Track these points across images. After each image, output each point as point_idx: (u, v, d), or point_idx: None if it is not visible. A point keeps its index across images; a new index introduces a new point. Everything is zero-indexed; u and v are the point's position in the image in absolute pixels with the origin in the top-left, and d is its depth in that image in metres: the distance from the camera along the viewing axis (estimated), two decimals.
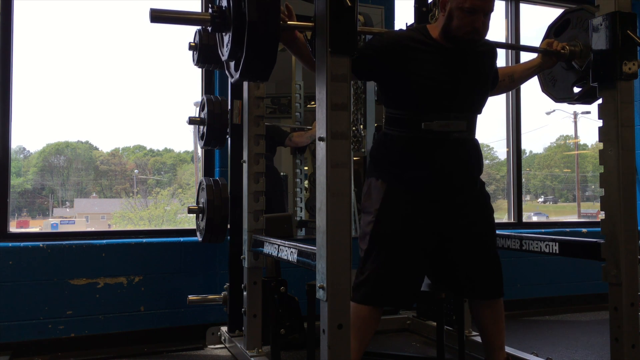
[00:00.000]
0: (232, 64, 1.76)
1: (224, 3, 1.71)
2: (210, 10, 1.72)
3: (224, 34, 1.77)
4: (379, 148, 2.11)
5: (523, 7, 4.19)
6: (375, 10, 3.61)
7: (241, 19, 1.61)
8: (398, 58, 1.95)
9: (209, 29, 1.76)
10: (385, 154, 2.06)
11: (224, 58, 1.78)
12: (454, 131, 1.97)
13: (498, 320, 2.11)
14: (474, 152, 2.07)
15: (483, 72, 2.09)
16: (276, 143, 3.33)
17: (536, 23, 4.58)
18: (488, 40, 2.14)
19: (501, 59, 4.18)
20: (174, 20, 1.76)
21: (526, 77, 2.35)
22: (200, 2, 3.39)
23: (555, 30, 2.37)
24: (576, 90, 2.34)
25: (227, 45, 1.71)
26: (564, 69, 2.33)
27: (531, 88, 4.15)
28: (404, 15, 3.56)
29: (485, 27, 1.95)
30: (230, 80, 1.82)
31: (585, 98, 2.33)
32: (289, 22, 1.78)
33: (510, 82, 2.32)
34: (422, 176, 1.99)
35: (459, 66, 2.00)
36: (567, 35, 2.31)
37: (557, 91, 2.43)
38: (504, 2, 4.19)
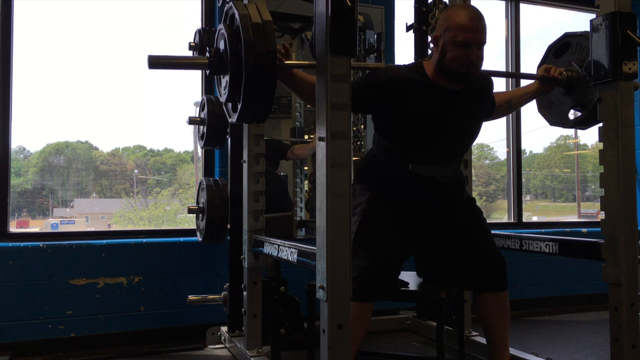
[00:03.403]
0: (230, 104, 1.78)
1: (221, 46, 1.73)
2: (207, 54, 1.75)
3: (221, 76, 1.78)
4: (367, 167, 2.18)
5: (523, 7, 4.19)
6: (375, 10, 3.61)
7: (238, 63, 1.63)
8: (393, 98, 1.98)
9: (207, 72, 1.80)
10: (373, 176, 2.13)
11: (222, 99, 1.80)
12: (439, 176, 2.04)
13: (503, 316, 2.12)
14: (457, 184, 2.14)
15: (477, 112, 2.13)
16: (278, 156, 3.36)
17: (536, 23, 4.59)
18: (485, 72, 2.16)
19: (501, 58, 4.18)
20: (172, 66, 1.79)
21: (523, 103, 2.40)
22: (200, 2, 3.39)
23: (555, 51, 2.40)
24: (571, 116, 2.38)
25: (225, 89, 1.74)
26: (561, 93, 2.36)
27: None
28: (404, 15, 3.56)
29: (479, 59, 1.96)
30: (229, 119, 1.84)
31: (580, 125, 2.37)
32: (285, 62, 1.81)
33: (507, 108, 2.36)
34: (406, 200, 2.07)
35: (452, 109, 2.03)
36: (566, 59, 2.33)
37: (552, 114, 2.47)
38: (504, 2, 4.19)
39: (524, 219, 4.20)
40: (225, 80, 1.73)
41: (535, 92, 2.34)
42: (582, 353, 2.86)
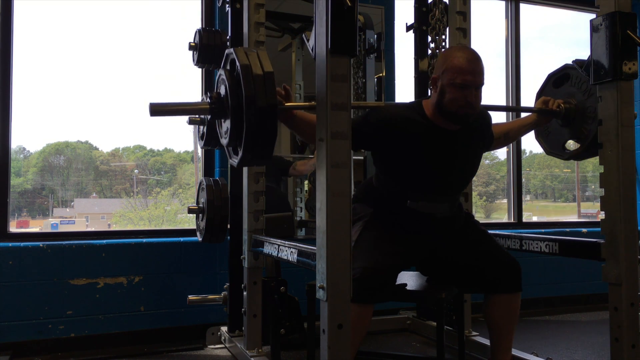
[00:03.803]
0: (230, 148, 1.81)
1: (222, 91, 1.75)
2: (208, 99, 1.76)
3: (222, 120, 1.80)
4: (366, 194, 2.20)
5: (523, 7, 4.19)
6: (375, 10, 3.61)
7: (239, 115, 1.64)
8: (392, 138, 2.01)
9: (208, 117, 1.80)
10: (372, 202, 2.15)
11: (223, 142, 1.82)
12: (437, 212, 2.08)
13: (512, 319, 2.12)
14: (455, 216, 2.16)
15: (476, 150, 2.17)
16: (280, 173, 3.37)
17: (536, 23, 4.59)
18: (484, 107, 2.19)
19: (501, 58, 4.18)
20: (173, 113, 1.81)
21: (522, 134, 2.47)
22: (200, 2, 3.39)
23: (554, 81, 2.43)
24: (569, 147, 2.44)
25: (225, 133, 1.76)
26: (559, 125, 2.39)
27: (530, 88, 4.14)
28: (404, 15, 3.56)
29: (478, 100, 1.98)
30: (229, 160, 1.87)
31: (576, 158, 2.43)
32: (286, 104, 1.83)
33: (505, 140, 2.41)
34: (405, 230, 2.09)
35: (451, 149, 2.06)
36: (565, 90, 2.36)
37: (549, 144, 2.50)
38: (503, 2, 4.19)
39: (524, 219, 4.20)
40: (225, 126, 1.75)
41: (534, 124, 2.39)
42: (582, 353, 2.86)
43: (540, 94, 2.47)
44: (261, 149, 1.67)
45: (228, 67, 1.75)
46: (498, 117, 4.19)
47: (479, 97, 1.98)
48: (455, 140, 2.05)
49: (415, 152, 2.02)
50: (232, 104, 1.66)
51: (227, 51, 1.77)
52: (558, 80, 2.40)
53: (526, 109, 2.50)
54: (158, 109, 1.72)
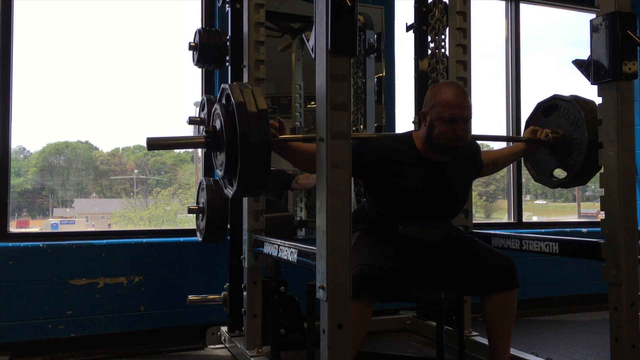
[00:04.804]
0: (226, 180, 1.85)
1: (217, 125, 1.78)
2: (204, 133, 1.81)
3: (218, 153, 1.84)
4: (359, 219, 2.23)
5: (523, 7, 4.19)
6: (375, 10, 3.61)
7: (234, 151, 1.68)
8: (382, 169, 2.07)
9: (204, 150, 1.85)
10: (367, 224, 2.20)
11: (219, 173, 1.85)
12: (427, 237, 2.12)
13: (508, 318, 2.13)
14: (446, 242, 2.18)
15: (465, 179, 2.23)
16: (282, 187, 3.38)
17: (536, 23, 4.59)
18: (473, 138, 2.24)
19: (501, 58, 4.18)
20: (170, 147, 1.89)
21: (510, 162, 2.54)
22: (200, 2, 3.39)
23: (543, 110, 2.47)
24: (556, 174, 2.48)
25: (221, 166, 1.80)
26: (547, 154, 2.43)
27: (530, 87, 4.14)
28: (404, 15, 3.56)
29: (466, 133, 2.04)
30: (224, 190, 1.91)
31: (562, 187, 2.46)
32: (280, 137, 1.88)
33: (494, 167, 2.46)
34: (400, 242, 2.13)
35: (440, 180, 2.11)
36: (553, 120, 2.40)
37: (537, 171, 2.54)
38: (504, 2, 4.19)
39: (524, 219, 4.20)
40: (221, 158, 1.79)
41: (522, 152, 2.45)
42: (582, 353, 2.86)
43: (529, 122, 2.52)
44: (255, 183, 1.72)
45: (224, 102, 1.79)
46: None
47: (467, 130, 2.04)
48: (445, 171, 2.12)
49: (406, 183, 2.07)
50: (227, 139, 1.70)
51: (222, 86, 1.81)
52: (547, 110, 2.44)
53: (515, 139, 2.56)
54: (155, 143, 1.77)
